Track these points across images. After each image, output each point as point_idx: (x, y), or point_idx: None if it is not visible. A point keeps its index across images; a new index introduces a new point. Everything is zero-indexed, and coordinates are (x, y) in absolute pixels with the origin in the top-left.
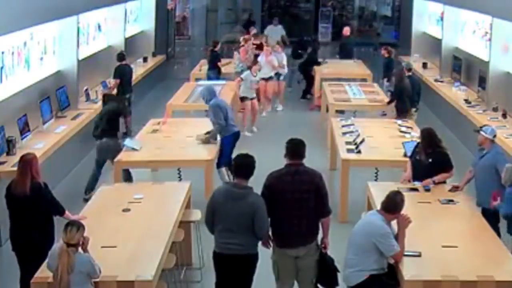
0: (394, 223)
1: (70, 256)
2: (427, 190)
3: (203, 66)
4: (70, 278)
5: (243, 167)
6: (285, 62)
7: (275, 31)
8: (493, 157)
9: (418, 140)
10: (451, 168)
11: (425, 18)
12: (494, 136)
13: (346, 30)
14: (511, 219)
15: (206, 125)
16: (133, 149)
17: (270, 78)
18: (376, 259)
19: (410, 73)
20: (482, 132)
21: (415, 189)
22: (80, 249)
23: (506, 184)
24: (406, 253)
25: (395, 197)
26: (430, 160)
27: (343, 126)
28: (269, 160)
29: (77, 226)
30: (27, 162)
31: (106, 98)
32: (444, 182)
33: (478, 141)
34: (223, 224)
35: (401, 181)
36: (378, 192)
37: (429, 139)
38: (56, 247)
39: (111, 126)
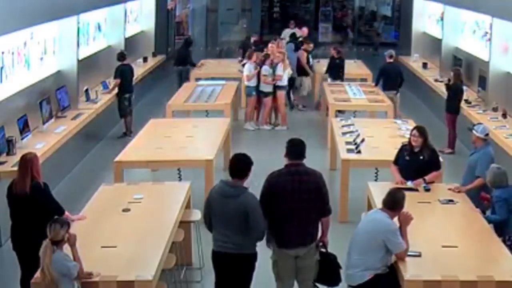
0: (395, 221)
1: (49, 255)
2: (427, 190)
3: (203, 66)
4: (56, 276)
5: (237, 167)
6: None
7: None
8: (479, 157)
9: (404, 143)
10: (440, 167)
11: (425, 18)
12: (486, 135)
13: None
14: (501, 225)
15: (206, 125)
16: None
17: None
18: (382, 257)
19: (391, 60)
20: (473, 131)
21: (415, 189)
22: (67, 246)
23: (489, 184)
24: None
25: (397, 194)
26: (421, 157)
27: (343, 126)
28: (269, 160)
29: (61, 222)
30: (28, 161)
31: None
32: (433, 182)
33: (472, 140)
34: (219, 223)
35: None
36: (378, 192)
37: (424, 136)
38: (43, 245)
39: None
